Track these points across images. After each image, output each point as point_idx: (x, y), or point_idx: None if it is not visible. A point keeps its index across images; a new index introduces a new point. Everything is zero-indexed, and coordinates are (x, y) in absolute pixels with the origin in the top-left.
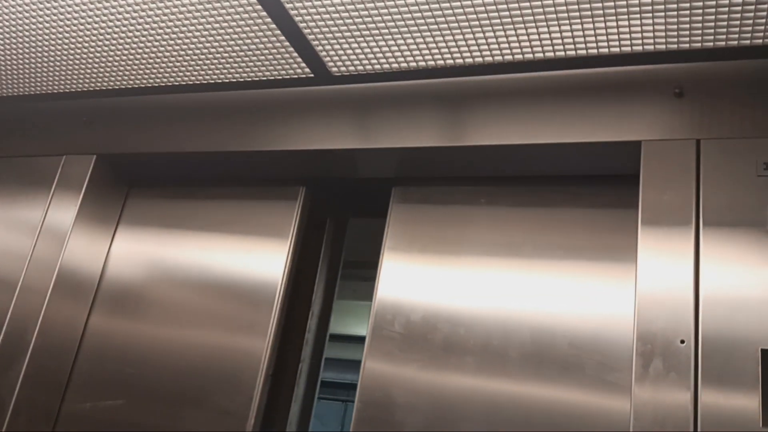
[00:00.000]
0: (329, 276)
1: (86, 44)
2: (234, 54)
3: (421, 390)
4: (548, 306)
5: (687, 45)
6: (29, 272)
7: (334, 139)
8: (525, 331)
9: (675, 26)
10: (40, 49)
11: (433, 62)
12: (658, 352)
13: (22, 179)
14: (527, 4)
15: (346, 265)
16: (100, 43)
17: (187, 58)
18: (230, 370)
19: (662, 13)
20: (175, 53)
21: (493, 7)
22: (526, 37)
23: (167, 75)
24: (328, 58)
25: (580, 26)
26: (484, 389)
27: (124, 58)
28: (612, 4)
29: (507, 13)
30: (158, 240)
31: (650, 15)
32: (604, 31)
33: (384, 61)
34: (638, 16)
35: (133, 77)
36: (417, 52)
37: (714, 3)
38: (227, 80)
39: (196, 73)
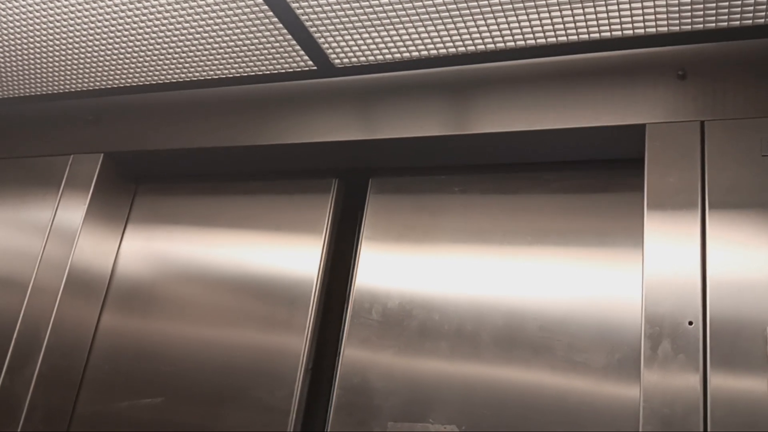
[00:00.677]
0: None
1: (89, 43)
2: (237, 49)
3: (397, 375)
4: (519, 290)
5: (689, 26)
6: (40, 272)
7: (339, 131)
8: (497, 316)
9: (676, 8)
10: (43, 50)
11: (435, 51)
12: (667, 334)
13: (31, 180)
14: None
15: None
16: (103, 42)
17: (191, 54)
18: (269, 366)
19: None
20: (179, 50)
21: None
22: (527, 23)
23: (171, 72)
24: (330, 50)
25: (581, 11)
26: (458, 372)
27: (129, 56)
28: None
29: None
30: (180, 238)
31: None
32: (605, 15)
33: (386, 51)
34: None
35: (137, 75)
36: (419, 42)
37: None
38: (231, 75)
39: (200, 69)
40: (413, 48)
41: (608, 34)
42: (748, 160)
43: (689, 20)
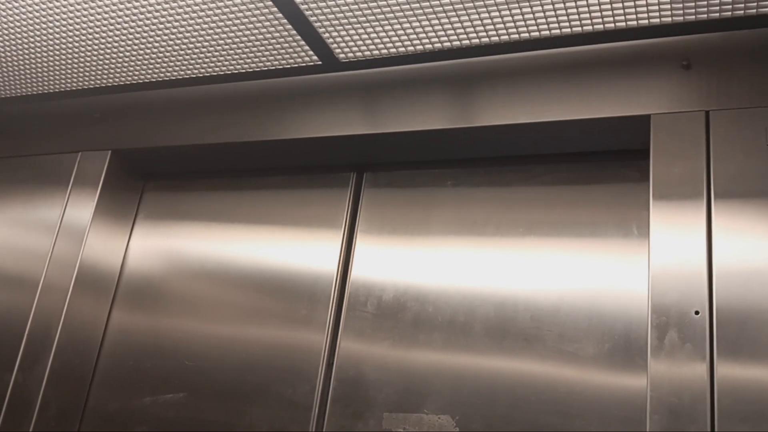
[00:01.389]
0: None
1: (94, 41)
2: (242, 45)
3: (391, 366)
4: (512, 282)
5: (693, 16)
6: (50, 270)
7: (341, 125)
8: (489, 307)
9: None
10: (50, 48)
11: (439, 44)
12: (673, 323)
13: (39, 178)
14: None
15: None
16: (109, 40)
17: (196, 50)
18: (290, 362)
19: None
20: (184, 47)
21: None
22: (531, 15)
23: (177, 69)
24: (335, 45)
25: (585, 2)
26: (451, 363)
27: (135, 53)
28: None
29: None
30: (191, 234)
31: None
32: (609, 6)
33: (391, 45)
34: None
35: (144, 72)
36: (423, 35)
37: None
38: (236, 72)
39: (205, 65)
40: (417, 42)
41: (612, 25)
42: (753, 150)
43: (693, 10)
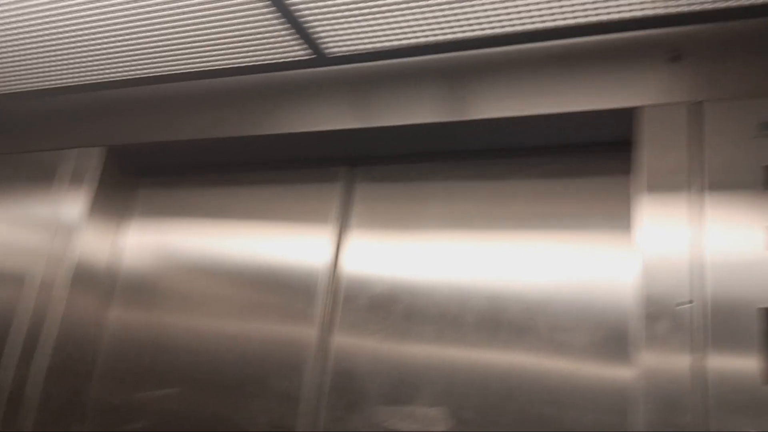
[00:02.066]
0: None
1: (87, 38)
2: (232, 40)
3: (384, 359)
4: (503, 274)
5: (684, 7)
6: (46, 267)
7: (332, 120)
8: (482, 299)
9: None
10: (44, 44)
11: (425, 38)
12: (662, 314)
13: (34, 175)
14: None
15: None
16: (101, 36)
17: (189, 46)
18: (287, 356)
19: None
20: (176, 42)
21: None
22: (516, 8)
23: (170, 64)
24: (321, 40)
25: None
26: (444, 355)
27: (128, 50)
28: None
29: None
30: (187, 230)
31: None
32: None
33: (378, 40)
34: None
35: (137, 68)
36: (409, 29)
37: None
38: (229, 66)
39: (197, 60)
40: (406, 36)
41: (602, 17)
42: (745, 140)
43: (684, 1)
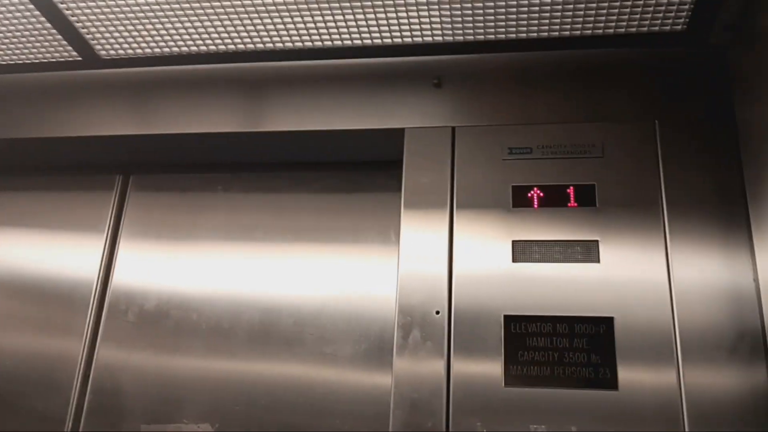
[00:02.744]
0: None
1: None
2: None
3: (151, 376)
4: (278, 287)
5: (450, 38)
6: None
7: (109, 125)
8: (254, 312)
9: (438, 19)
10: None
11: (205, 47)
12: (417, 323)
13: None
14: None
15: None
16: None
17: None
18: (46, 373)
19: (425, 7)
20: None
21: None
22: (293, 26)
23: None
24: (95, 41)
25: (352, 16)
26: (212, 370)
27: None
28: None
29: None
30: None
31: (415, 7)
32: (375, 22)
33: (156, 44)
34: (408, 7)
35: None
36: (188, 37)
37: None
38: None
39: None
40: (182, 43)
41: (370, 41)
42: (490, 163)
43: (450, 31)
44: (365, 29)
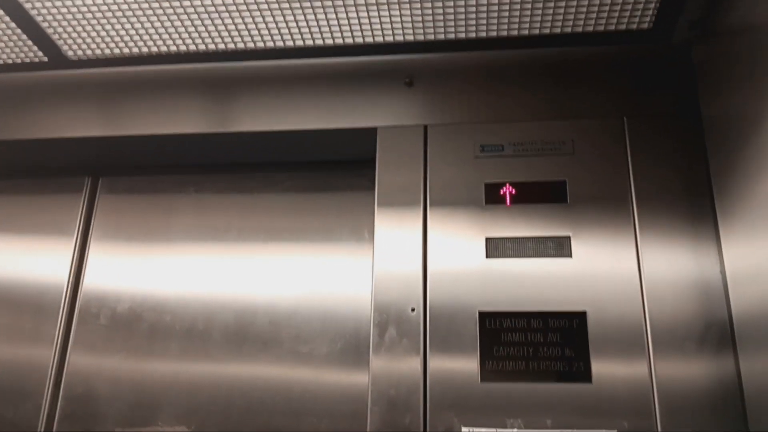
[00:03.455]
0: None
1: None
2: None
3: (124, 380)
4: (252, 287)
5: (421, 37)
6: None
7: (77, 127)
8: (229, 313)
9: (409, 18)
10: None
11: (175, 48)
12: (393, 321)
13: None
14: None
15: None
16: None
17: None
18: (15, 380)
19: (396, 6)
20: None
21: None
22: (263, 25)
23: None
24: (62, 42)
25: (324, 16)
26: (187, 372)
27: None
28: None
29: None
30: None
31: (386, 6)
32: (346, 21)
33: (123, 45)
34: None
35: None
36: (157, 37)
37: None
38: None
39: None
40: (152, 43)
41: (341, 40)
42: (463, 161)
43: (421, 31)
44: (336, 28)
